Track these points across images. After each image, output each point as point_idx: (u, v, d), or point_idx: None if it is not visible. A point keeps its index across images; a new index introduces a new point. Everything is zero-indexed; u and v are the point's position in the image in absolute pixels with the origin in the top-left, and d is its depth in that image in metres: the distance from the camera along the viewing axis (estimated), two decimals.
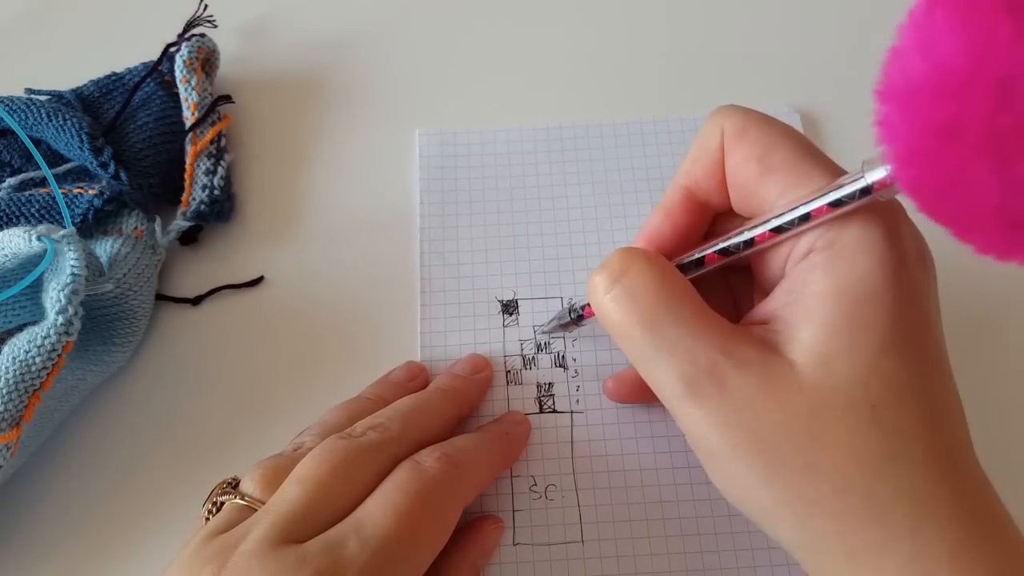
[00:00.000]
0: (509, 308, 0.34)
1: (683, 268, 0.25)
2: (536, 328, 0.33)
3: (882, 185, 0.20)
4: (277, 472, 0.25)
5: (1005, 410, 0.32)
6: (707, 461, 0.24)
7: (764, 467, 0.22)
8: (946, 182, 0.17)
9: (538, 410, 0.32)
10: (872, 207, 0.22)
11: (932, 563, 0.20)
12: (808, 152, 0.24)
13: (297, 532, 0.23)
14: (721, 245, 0.25)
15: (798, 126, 0.38)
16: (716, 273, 0.27)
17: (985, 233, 0.18)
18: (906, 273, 0.22)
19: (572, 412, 0.32)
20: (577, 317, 0.30)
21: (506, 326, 0.33)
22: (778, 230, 0.23)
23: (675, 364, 0.23)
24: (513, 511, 0.30)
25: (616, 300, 0.24)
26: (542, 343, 0.33)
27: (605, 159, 0.37)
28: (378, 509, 0.23)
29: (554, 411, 0.32)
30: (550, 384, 0.32)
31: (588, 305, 0.29)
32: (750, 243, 0.24)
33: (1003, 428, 0.32)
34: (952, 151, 0.17)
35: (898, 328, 0.21)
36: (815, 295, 0.22)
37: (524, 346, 0.33)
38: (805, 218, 0.22)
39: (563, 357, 0.33)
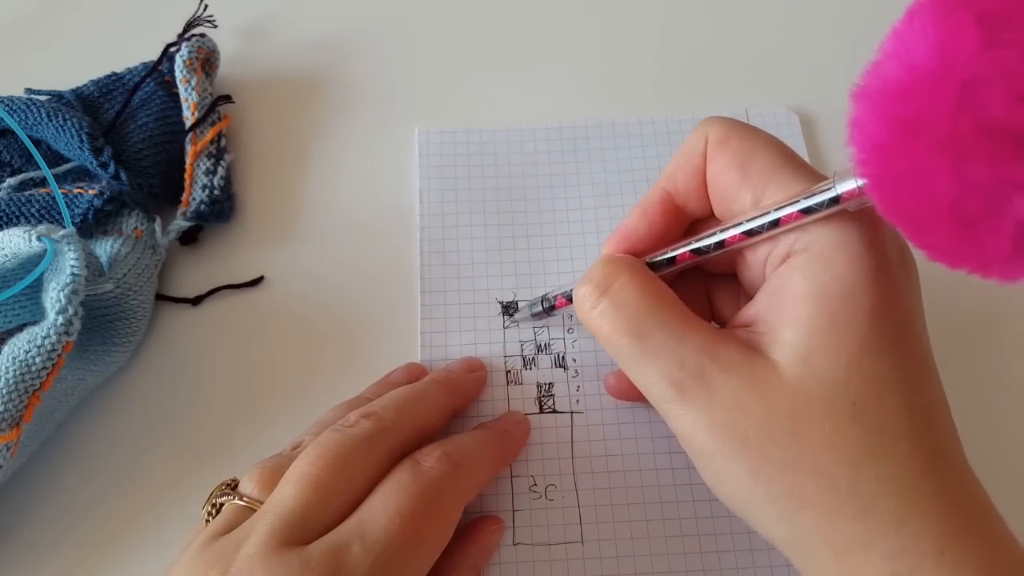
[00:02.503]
0: (509, 309, 0.34)
1: (655, 266, 0.26)
2: (519, 323, 0.33)
3: (850, 195, 0.21)
4: (275, 472, 0.25)
5: (1000, 411, 0.32)
6: (697, 460, 0.24)
7: (750, 465, 0.22)
8: (905, 178, 0.18)
9: (538, 410, 0.32)
10: (848, 213, 0.22)
11: (918, 557, 0.20)
12: (787, 160, 0.24)
13: (298, 533, 0.23)
14: (694, 245, 0.25)
15: (796, 127, 0.38)
16: (696, 283, 0.28)
17: (937, 233, 0.18)
18: (885, 273, 0.22)
19: (572, 412, 0.32)
20: (549, 307, 0.31)
21: (506, 327, 0.33)
22: (749, 233, 0.24)
23: (663, 369, 0.24)
24: (513, 511, 0.30)
25: (603, 315, 0.25)
26: (542, 344, 0.33)
27: (605, 159, 0.37)
28: (380, 511, 0.23)
29: (554, 411, 0.32)
30: (550, 384, 0.32)
31: (560, 296, 0.30)
32: (720, 244, 0.25)
33: (997, 428, 0.32)
34: (914, 147, 0.18)
35: (877, 326, 0.22)
36: (794, 296, 0.23)
37: (524, 347, 0.33)
38: (775, 223, 0.23)
39: (563, 357, 0.33)
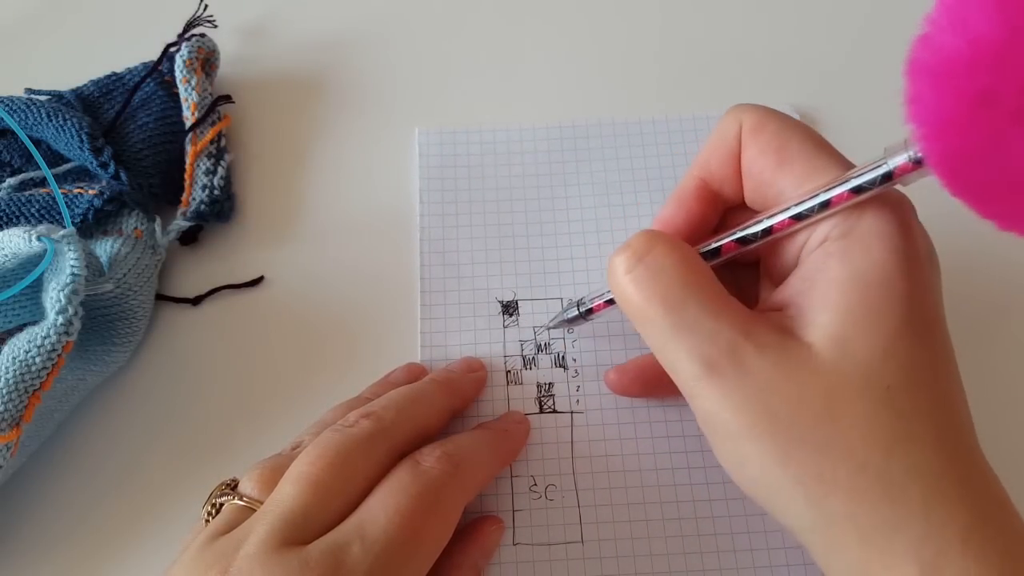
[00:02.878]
0: (509, 309, 0.34)
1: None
2: (537, 328, 0.33)
3: (902, 171, 0.21)
4: (275, 472, 0.25)
5: (1006, 405, 0.32)
6: (721, 442, 0.24)
7: (780, 446, 0.22)
8: (977, 150, 0.18)
9: (538, 410, 0.32)
10: (885, 202, 0.23)
11: (943, 543, 0.20)
12: (823, 147, 0.24)
13: (298, 533, 0.23)
14: (740, 234, 0.25)
15: None
16: (727, 271, 0.27)
17: (1012, 202, 0.18)
18: (917, 264, 0.22)
19: (572, 412, 0.32)
20: (587, 311, 0.30)
21: (506, 327, 0.33)
22: (798, 217, 0.23)
23: (695, 345, 0.23)
24: (513, 511, 0.30)
25: (637, 281, 0.24)
26: (542, 344, 0.33)
27: (605, 159, 0.37)
28: (380, 511, 0.23)
29: (554, 411, 0.32)
30: (550, 384, 0.32)
31: (597, 300, 0.30)
32: (768, 231, 0.24)
33: (999, 427, 0.32)
34: (986, 120, 0.17)
35: (911, 314, 0.22)
36: (831, 281, 0.22)
37: (524, 346, 0.33)
38: (825, 205, 0.23)
39: (563, 357, 0.33)
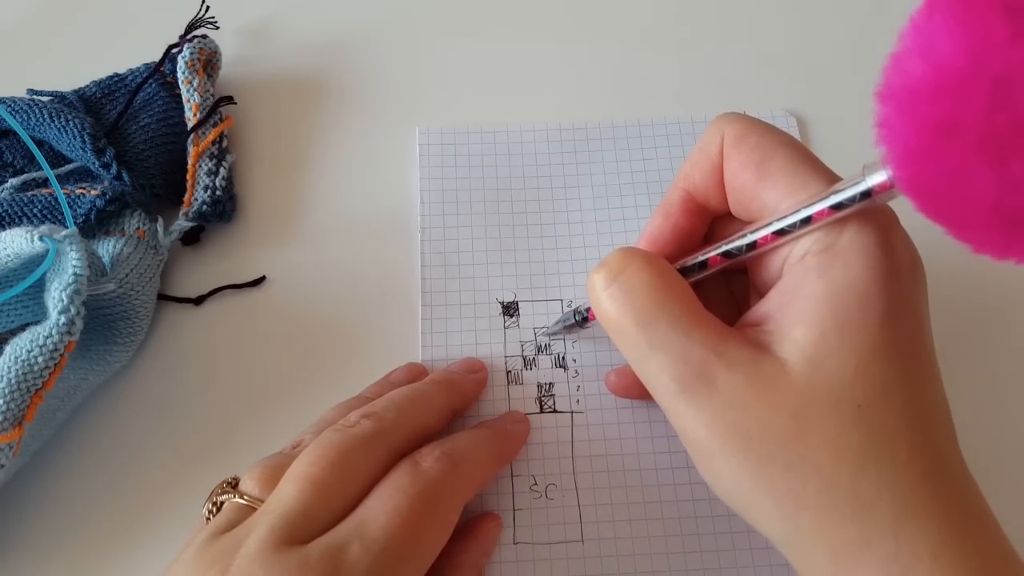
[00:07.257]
0: (509, 310, 0.34)
1: (686, 271, 0.26)
2: (538, 330, 0.33)
3: (882, 188, 0.21)
4: (276, 470, 0.25)
5: (997, 414, 0.32)
6: (697, 457, 0.24)
7: (751, 463, 0.22)
8: (943, 180, 0.18)
9: (539, 410, 0.32)
10: (867, 215, 0.22)
11: (913, 560, 0.20)
12: (806, 159, 0.24)
13: (298, 532, 0.23)
14: (724, 248, 0.25)
15: (794, 131, 0.38)
16: (719, 277, 0.27)
17: (982, 231, 0.18)
18: (897, 278, 0.22)
19: (572, 412, 0.32)
20: (582, 319, 0.30)
21: (507, 327, 0.34)
22: (780, 233, 0.23)
23: (667, 362, 0.23)
24: (514, 510, 0.30)
25: (612, 298, 0.25)
26: (542, 344, 0.33)
27: (604, 160, 0.37)
28: (380, 511, 0.24)
29: (554, 411, 0.32)
30: (550, 384, 0.32)
31: (590, 309, 0.30)
32: (752, 246, 0.24)
33: (996, 427, 0.32)
34: (949, 149, 0.17)
35: (887, 330, 0.22)
36: (809, 296, 0.22)
37: (524, 347, 0.33)
38: (807, 221, 0.22)
39: (563, 358, 0.33)
